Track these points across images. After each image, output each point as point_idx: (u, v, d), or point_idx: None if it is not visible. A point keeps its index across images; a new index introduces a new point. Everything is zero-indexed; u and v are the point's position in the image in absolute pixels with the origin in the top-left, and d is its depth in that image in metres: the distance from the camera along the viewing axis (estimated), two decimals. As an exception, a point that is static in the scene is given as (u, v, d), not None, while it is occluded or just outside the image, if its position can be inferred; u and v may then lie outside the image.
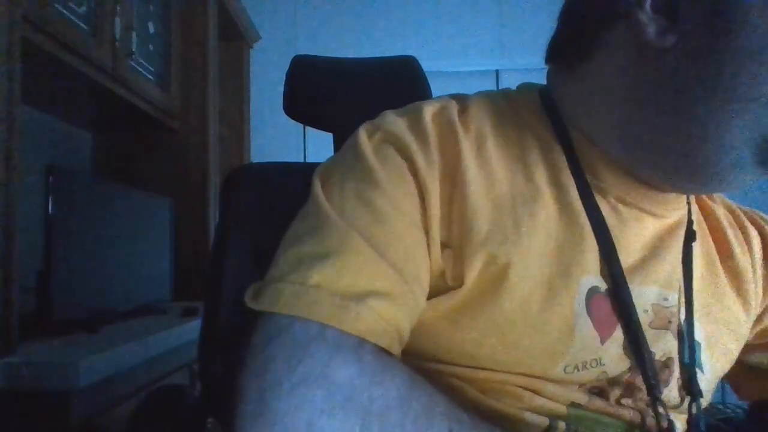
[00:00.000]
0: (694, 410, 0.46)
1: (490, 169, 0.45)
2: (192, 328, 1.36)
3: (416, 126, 0.46)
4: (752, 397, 0.58)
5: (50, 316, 1.11)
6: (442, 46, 2.77)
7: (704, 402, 0.48)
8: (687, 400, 0.46)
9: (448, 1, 2.79)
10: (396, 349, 0.40)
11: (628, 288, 0.44)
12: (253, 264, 0.73)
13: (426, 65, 0.89)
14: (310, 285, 0.38)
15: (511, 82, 0.53)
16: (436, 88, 0.79)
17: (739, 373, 0.56)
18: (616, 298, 0.44)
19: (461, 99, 0.50)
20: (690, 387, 0.46)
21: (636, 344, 0.43)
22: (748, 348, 0.54)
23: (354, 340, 0.37)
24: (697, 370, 0.47)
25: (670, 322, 0.46)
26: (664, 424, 0.43)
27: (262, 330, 0.38)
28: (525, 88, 0.52)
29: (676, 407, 0.46)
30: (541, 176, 0.45)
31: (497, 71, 2.78)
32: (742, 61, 0.37)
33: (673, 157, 0.42)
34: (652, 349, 0.44)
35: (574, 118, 0.47)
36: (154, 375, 1.20)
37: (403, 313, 0.40)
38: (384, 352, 0.39)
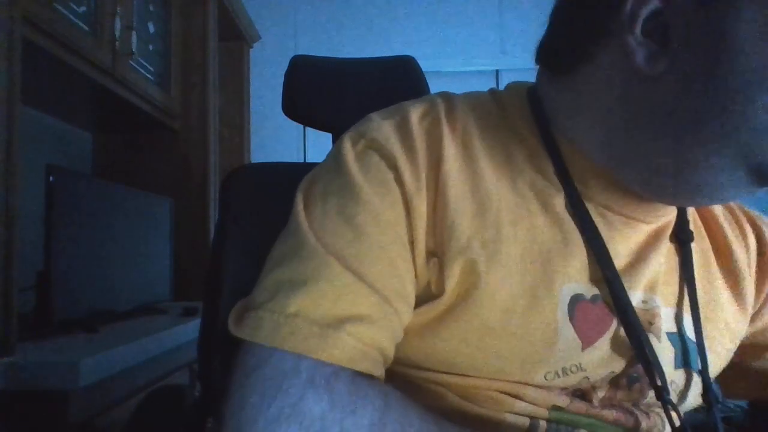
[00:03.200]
0: (715, 416, 0.46)
1: (475, 172, 0.44)
2: (192, 328, 1.36)
3: (402, 130, 0.44)
4: (739, 397, 0.58)
5: (50, 316, 1.11)
6: (442, 46, 2.77)
7: (695, 403, 0.48)
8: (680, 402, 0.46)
9: (448, 1, 2.79)
10: (378, 371, 0.40)
11: (626, 292, 0.43)
12: (252, 264, 0.73)
13: (426, 65, 0.89)
14: (288, 314, 0.38)
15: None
16: (436, 88, 0.79)
17: (730, 372, 0.55)
18: (616, 303, 0.43)
19: (448, 98, 0.49)
20: (707, 395, 0.46)
21: (640, 348, 0.43)
22: (743, 350, 0.53)
23: (329, 370, 0.37)
24: (693, 372, 0.46)
25: (651, 323, 0.45)
26: (676, 424, 0.43)
27: (243, 361, 0.38)
28: (513, 87, 0.51)
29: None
30: (526, 181, 0.44)
31: (497, 71, 2.78)
32: (734, 92, 0.36)
33: (660, 178, 0.42)
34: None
35: (560, 123, 0.46)
36: (154, 375, 1.20)
37: (385, 334, 0.40)
38: (362, 376, 0.39)
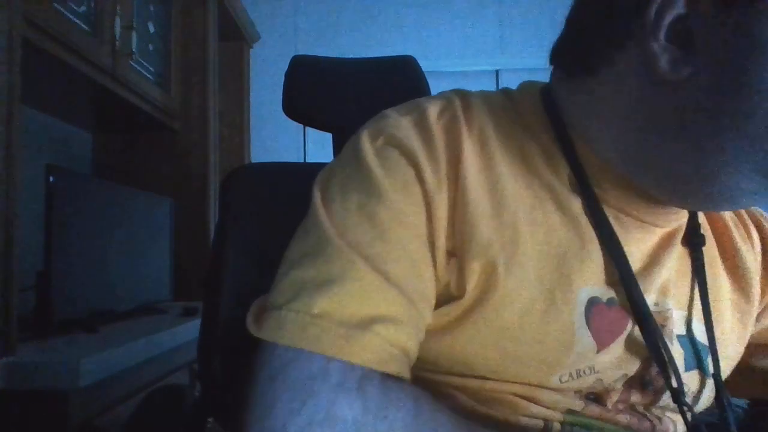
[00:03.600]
0: (728, 419, 0.45)
1: (493, 172, 0.43)
2: (192, 328, 1.36)
3: (421, 127, 0.44)
4: (741, 395, 0.58)
5: (50, 316, 1.11)
6: (442, 46, 2.77)
7: (707, 405, 0.48)
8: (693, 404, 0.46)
9: (448, 1, 2.79)
10: (405, 372, 0.40)
11: (642, 295, 0.43)
12: (252, 264, 0.73)
13: (426, 65, 0.89)
14: (313, 314, 0.37)
15: (511, 82, 0.53)
16: (436, 88, 0.79)
17: (737, 372, 0.55)
18: (633, 306, 0.43)
19: (464, 95, 0.48)
20: (720, 397, 0.46)
21: (657, 350, 0.42)
22: (746, 349, 0.53)
23: (359, 372, 0.36)
24: (705, 374, 0.46)
25: (663, 326, 0.45)
26: (690, 421, 0.43)
27: (266, 364, 0.37)
28: (526, 87, 0.50)
29: (675, 411, 0.46)
30: (543, 182, 0.44)
31: (497, 71, 2.78)
32: (759, 100, 0.35)
33: (678, 183, 0.41)
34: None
35: (575, 126, 0.45)
36: (154, 375, 1.20)
37: (411, 335, 0.40)
38: (392, 379, 0.38)
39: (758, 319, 0.52)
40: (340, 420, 0.34)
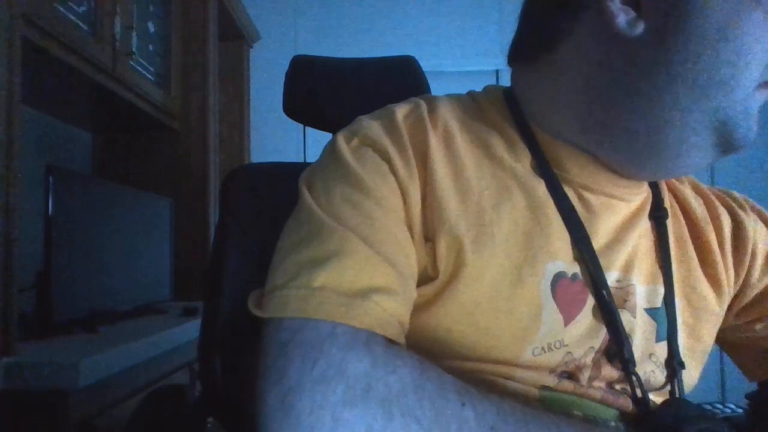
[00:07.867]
0: (676, 385, 0.48)
1: (457, 163, 0.47)
2: (192, 328, 1.36)
3: (390, 127, 0.48)
4: (759, 377, 0.58)
5: (50, 316, 1.11)
6: (442, 46, 2.77)
7: (692, 381, 0.50)
8: (664, 377, 0.48)
9: (448, 1, 2.79)
10: (401, 339, 0.42)
11: (601, 270, 0.46)
12: (252, 263, 0.73)
13: (426, 65, 0.89)
14: (315, 287, 0.39)
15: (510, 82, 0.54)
16: (436, 88, 0.79)
17: (748, 354, 0.57)
18: (591, 280, 0.46)
19: (430, 99, 0.53)
20: (671, 362, 0.48)
21: (612, 323, 0.45)
22: (738, 328, 0.55)
23: (364, 334, 0.38)
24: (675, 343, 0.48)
25: (625, 300, 0.48)
26: (639, 394, 0.45)
27: (275, 336, 0.39)
28: (490, 89, 0.55)
29: (655, 388, 0.47)
30: (506, 169, 0.48)
31: (497, 71, 2.78)
32: (702, 47, 0.40)
33: (636, 140, 0.45)
34: None
35: (536, 115, 0.50)
36: (154, 375, 1.20)
37: (403, 306, 0.42)
38: (391, 342, 0.40)
39: (737, 301, 0.54)
40: (352, 373, 0.36)
